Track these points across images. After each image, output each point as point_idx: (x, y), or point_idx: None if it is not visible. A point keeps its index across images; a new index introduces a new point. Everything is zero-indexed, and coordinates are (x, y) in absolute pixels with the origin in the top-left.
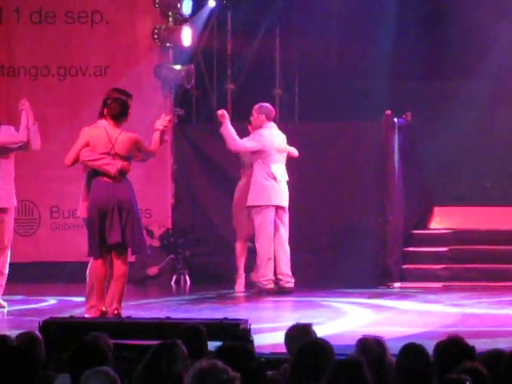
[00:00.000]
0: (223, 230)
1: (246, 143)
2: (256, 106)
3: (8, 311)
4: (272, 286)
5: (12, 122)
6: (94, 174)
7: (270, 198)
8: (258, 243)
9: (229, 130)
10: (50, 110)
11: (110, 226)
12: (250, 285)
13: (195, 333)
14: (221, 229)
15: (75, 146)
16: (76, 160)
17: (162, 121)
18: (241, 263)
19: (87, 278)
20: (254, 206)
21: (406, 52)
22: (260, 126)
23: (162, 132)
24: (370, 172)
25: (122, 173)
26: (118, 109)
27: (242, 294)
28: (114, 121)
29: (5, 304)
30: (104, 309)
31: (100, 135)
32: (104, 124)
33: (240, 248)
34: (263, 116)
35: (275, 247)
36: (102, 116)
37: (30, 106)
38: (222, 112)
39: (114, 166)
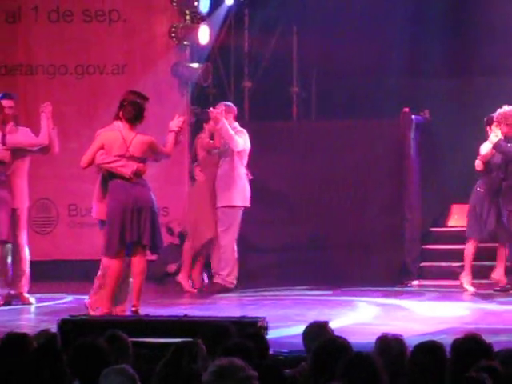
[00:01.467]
0: (241, 228)
1: (241, 142)
2: (223, 106)
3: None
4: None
5: (29, 121)
6: (110, 176)
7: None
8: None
9: (229, 128)
10: (67, 109)
11: (130, 226)
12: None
13: (224, 331)
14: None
15: (91, 149)
16: (91, 162)
17: (177, 122)
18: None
19: (100, 276)
20: (246, 207)
21: (425, 49)
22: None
23: (177, 133)
24: (387, 169)
25: (138, 174)
26: (132, 112)
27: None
28: (130, 124)
29: (33, 300)
30: (110, 311)
31: (115, 138)
32: (119, 126)
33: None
34: (231, 116)
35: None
36: (117, 118)
37: (49, 105)
38: (220, 111)
39: (129, 167)
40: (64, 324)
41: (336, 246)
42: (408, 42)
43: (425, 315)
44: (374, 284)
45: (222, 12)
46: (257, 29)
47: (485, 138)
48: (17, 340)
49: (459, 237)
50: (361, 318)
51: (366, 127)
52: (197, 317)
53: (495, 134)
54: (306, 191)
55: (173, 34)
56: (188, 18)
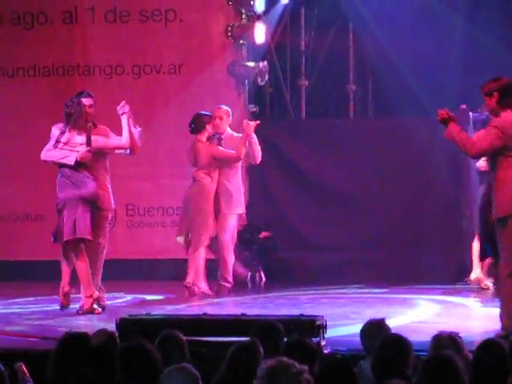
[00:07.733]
0: (298, 226)
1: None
2: (225, 109)
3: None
4: None
5: None
6: None
7: None
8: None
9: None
10: None
11: None
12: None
13: (271, 330)
14: (296, 225)
15: None
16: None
17: None
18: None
19: None
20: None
21: (480, 45)
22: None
23: None
24: (445, 167)
25: None
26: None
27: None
28: None
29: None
30: None
31: None
32: None
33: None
34: (230, 120)
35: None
36: None
37: (126, 104)
38: (255, 124)
39: None
40: (123, 323)
41: (395, 244)
42: (465, 39)
43: (484, 313)
44: (433, 282)
45: (277, 10)
46: (313, 27)
47: None
48: (76, 339)
49: None
50: (418, 316)
51: (424, 124)
52: (254, 316)
53: None
54: (364, 189)
55: (229, 34)
56: (244, 17)
